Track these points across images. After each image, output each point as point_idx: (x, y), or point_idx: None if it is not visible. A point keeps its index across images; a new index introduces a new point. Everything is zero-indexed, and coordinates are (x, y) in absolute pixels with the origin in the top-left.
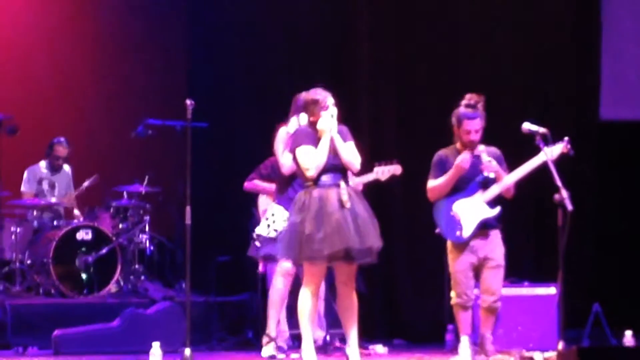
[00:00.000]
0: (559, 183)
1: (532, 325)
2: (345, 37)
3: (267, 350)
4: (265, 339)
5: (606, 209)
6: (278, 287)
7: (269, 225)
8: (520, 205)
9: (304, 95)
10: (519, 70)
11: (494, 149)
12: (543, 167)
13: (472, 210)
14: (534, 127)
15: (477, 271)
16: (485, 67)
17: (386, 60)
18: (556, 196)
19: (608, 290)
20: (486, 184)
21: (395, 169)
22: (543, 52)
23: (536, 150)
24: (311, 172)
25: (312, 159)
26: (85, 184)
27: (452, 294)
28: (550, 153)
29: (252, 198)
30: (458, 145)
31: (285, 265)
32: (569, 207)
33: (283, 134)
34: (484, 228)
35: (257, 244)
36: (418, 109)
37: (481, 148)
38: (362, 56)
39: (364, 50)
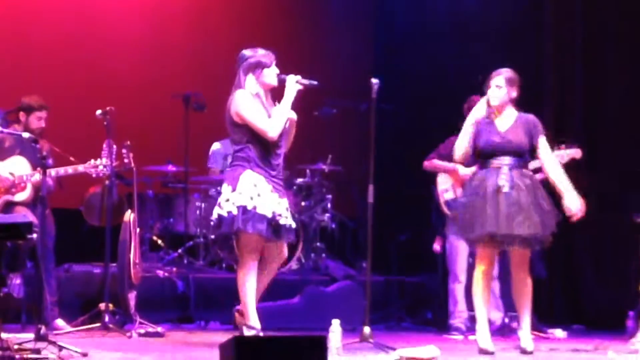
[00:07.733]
0: None
1: None
2: (530, 22)
3: None
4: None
5: None
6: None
7: (252, 198)
8: None
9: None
10: None
11: None
12: None
13: None
14: None
15: None
16: None
17: (572, 43)
18: None
19: None
20: None
21: (575, 153)
22: None
23: None
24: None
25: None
26: None
27: None
28: None
29: (433, 178)
30: None
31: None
32: None
33: (244, 96)
34: None
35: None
36: (604, 93)
37: None
38: (548, 39)
39: (549, 33)
